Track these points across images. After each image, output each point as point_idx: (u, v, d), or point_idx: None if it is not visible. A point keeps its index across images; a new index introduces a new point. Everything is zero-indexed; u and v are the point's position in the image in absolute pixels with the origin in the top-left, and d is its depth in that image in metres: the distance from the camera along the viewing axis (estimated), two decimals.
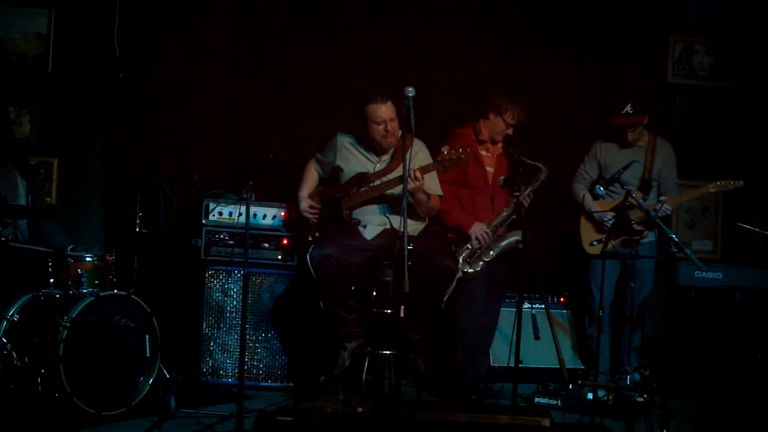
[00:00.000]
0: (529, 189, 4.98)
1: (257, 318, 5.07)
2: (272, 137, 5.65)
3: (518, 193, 4.67)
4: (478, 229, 4.94)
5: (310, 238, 4.87)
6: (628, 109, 5.11)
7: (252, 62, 5.67)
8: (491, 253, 4.97)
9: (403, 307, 4.02)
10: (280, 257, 5.12)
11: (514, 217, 4.96)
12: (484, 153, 5.09)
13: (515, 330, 4.43)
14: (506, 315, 5.29)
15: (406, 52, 5.72)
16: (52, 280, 4.39)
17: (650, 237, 5.22)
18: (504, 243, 4.99)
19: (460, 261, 4.91)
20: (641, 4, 5.87)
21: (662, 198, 5.16)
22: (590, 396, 4.73)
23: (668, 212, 5.16)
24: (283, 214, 5.15)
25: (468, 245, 4.94)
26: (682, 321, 5.27)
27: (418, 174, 4.55)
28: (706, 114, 5.99)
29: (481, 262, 4.95)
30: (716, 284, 5.16)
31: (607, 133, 5.31)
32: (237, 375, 4.66)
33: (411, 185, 4.54)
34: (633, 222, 4.86)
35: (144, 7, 5.55)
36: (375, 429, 3.65)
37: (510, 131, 5.05)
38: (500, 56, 5.77)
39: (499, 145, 5.15)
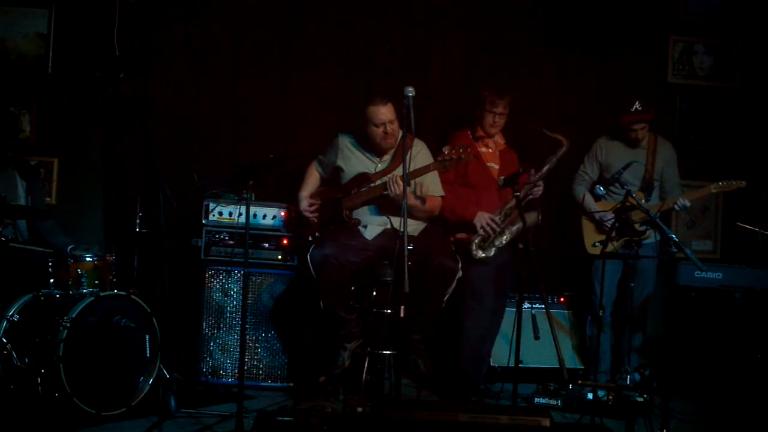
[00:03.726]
0: (546, 167, 4.93)
1: (257, 318, 5.07)
2: (272, 137, 5.65)
3: (518, 193, 4.66)
4: (482, 219, 4.93)
5: (310, 238, 4.88)
6: (637, 106, 5.13)
7: (252, 62, 5.66)
8: (504, 238, 4.94)
9: (403, 307, 4.01)
10: (280, 257, 5.12)
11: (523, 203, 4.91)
12: (483, 150, 5.09)
13: (515, 330, 4.43)
14: (506, 315, 5.28)
15: (406, 52, 5.72)
16: (52, 280, 4.39)
17: (651, 237, 5.22)
18: (516, 227, 4.94)
19: (474, 246, 4.90)
20: (641, 4, 5.87)
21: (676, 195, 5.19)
22: (590, 396, 4.73)
23: (687, 205, 5.15)
24: (283, 214, 5.15)
25: (480, 232, 4.93)
26: (682, 321, 5.27)
27: (398, 180, 4.53)
28: (706, 114, 5.99)
29: (493, 248, 4.94)
30: (716, 284, 5.16)
31: (613, 132, 5.31)
32: (237, 375, 4.66)
33: (392, 192, 4.58)
34: (635, 223, 4.86)
35: (144, 6, 5.55)
36: (375, 429, 3.64)
37: (497, 119, 5.02)
38: (501, 56, 5.77)
39: (502, 141, 5.15)
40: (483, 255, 4.92)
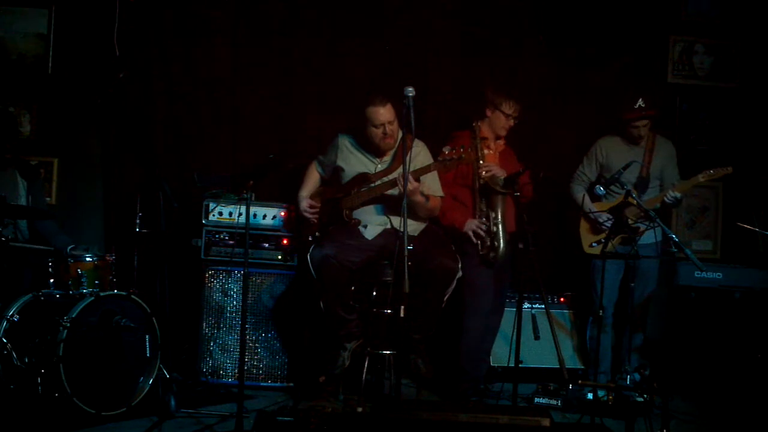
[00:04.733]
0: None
1: (257, 318, 5.07)
2: (272, 137, 5.65)
3: (518, 193, 4.66)
4: (472, 225, 4.92)
5: (310, 238, 4.88)
6: (641, 103, 5.13)
7: (252, 62, 5.67)
8: (500, 226, 4.88)
9: (403, 307, 4.01)
10: (280, 257, 5.12)
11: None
12: (485, 151, 5.08)
13: (515, 330, 4.44)
14: (506, 315, 5.28)
15: (406, 52, 5.72)
16: (52, 280, 4.39)
17: (652, 238, 5.22)
18: (500, 207, 4.88)
19: (484, 253, 4.86)
20: (641, 4, 5.87)
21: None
22: (590, 396, 4.73)
23: (678, 196, 5.13)
24: (283, 214, 5.15)
25: (476, 243, 4.90)
26: (682, 321, 5.27)
27: (411, 177, 4.53)
28: (706, 114, 5.99)
29: (501, 242, 4.86)
30: (716, 284, 5.16)
31: (615, 130, 5.31)
32: (237, 375, 4.66)
33: (401, 188, 4.55)
34: (630, 220, 4.86)
35: (144, 6, 5.55)
36: (375, 429, 3.65)
37: (512, 122, 5.04)
38: (500, 56, 5.76)
39: (502, 141, 5.15)
40: (494, 254, 4.89)
